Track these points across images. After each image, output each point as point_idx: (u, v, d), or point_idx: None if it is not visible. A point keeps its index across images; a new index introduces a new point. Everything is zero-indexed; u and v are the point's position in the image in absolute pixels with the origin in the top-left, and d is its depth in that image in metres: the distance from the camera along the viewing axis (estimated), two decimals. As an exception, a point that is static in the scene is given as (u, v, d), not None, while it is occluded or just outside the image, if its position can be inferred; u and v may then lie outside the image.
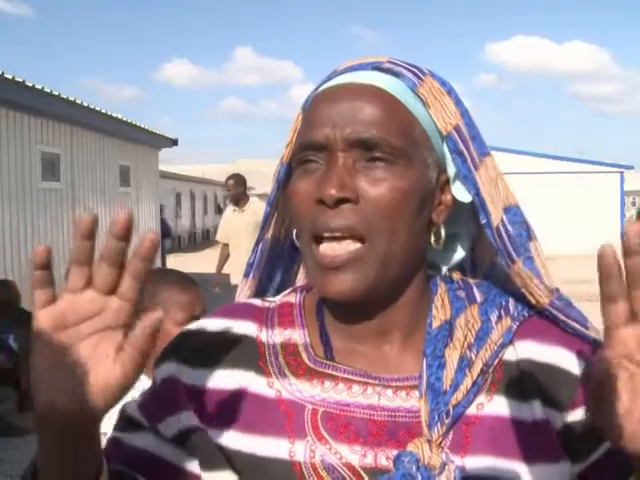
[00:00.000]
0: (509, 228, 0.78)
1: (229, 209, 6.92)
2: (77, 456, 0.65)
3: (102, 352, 0.58)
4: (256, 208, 6.53)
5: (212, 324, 0.83)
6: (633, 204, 45.99)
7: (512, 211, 0.79)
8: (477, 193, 0.78)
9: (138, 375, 0.59)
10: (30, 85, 8.52)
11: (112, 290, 0.60)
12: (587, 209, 23.55)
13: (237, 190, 6.66)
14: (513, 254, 0.78)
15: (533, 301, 0.78)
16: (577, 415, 0.75)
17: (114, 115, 11.43)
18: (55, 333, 0.58)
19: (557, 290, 0.79)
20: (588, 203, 23.81)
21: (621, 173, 25.46)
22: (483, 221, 0.78)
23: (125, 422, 0.83)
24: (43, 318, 0.58)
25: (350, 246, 0.73)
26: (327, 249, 0.73)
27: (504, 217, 0.78)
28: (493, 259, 0.86)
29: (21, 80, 8.28)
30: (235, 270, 6.49)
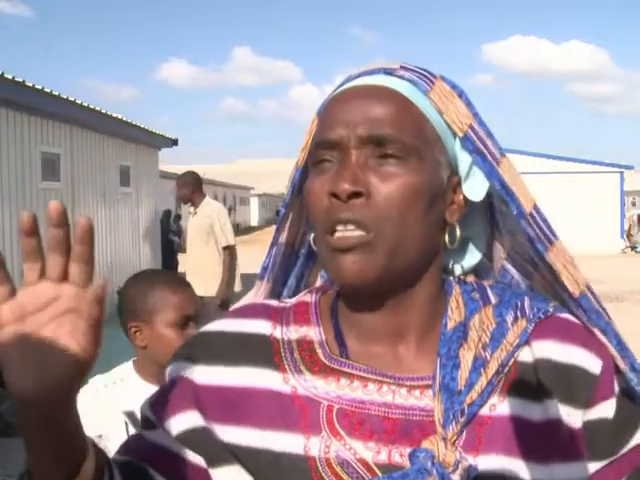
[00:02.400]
0: (543, 213, 0.80)
1: (189, 211, 6.37)
2: (57, 438, 0.67)
3: (60, 334, 0.61)
4: (209, 210, 6.02)
5: (225, 324, 0.85)
6: (633, 204, 46.00)
7: (535, 211, 0.80)
8: (503, 186, 0.79)
9: (96, 345, 0.63)
10: (30, 85, 8.52)
11: (64, 277, 0.63)
12: (587, 209, 23.56)
13: (183, 191, 6.09)
14: (551, 236, 0.80)
15: (570, 288, 0.79)
16: (597, 413, 0.77)
17: (114, 115, 11.42)
18: (16, 323, 0.61)
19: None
20: (588, 203, 23.81)
21: (621, 173, 25.48)
22: (514, 212, 0.79)
23: (143, 421, 0.86)
24: (4, 311, 0.62)
25: (359, 233, 0.75)
26: (339, 235, 0.75)
27: (537, 204, 0.80)
28: (504, 265, 0.88)
29: (21, 80, 8.28)
30: (190, 279, 5.82)
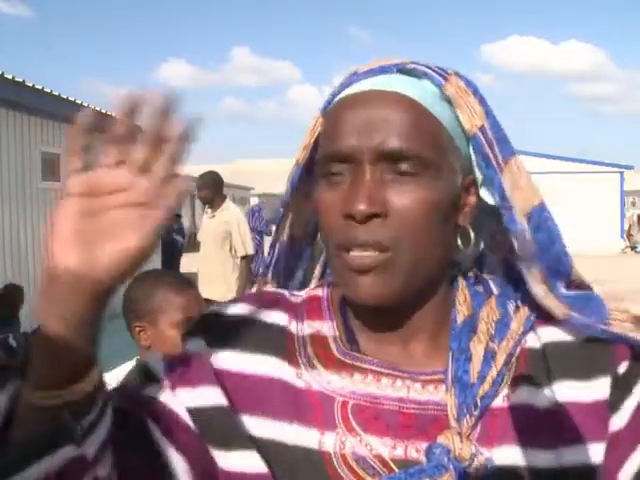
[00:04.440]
0: (533, 233, 0.77)
1: (205, 211, 6.20)
2: (74, 332, 0.61)
3: (125, 224, 0.59)
4: (228, 216, 5.86)
5: (242, 309, 0.82)
6: (633, 204, 46.02)
7: (537, 213, 0.78)
8: (502, 197, 0.76)
9: (154, 244, 0.60)
10: (30, 85, 8.53)
11: (145, 170, 0.60)
12: (587, 209, 23.60)
13: (204, 192, 5.90)
14: (535, 261, 0.77)
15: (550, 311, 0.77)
16: (621, 369, 0.75)
17: (114, 115, 11.41)
18: (83, 199, 0.59)
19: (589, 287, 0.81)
20: (588, 203, 23.85)
21: (621, 173, 25.53)
22: (512, 227, 0.76)
23: (144, 374, 0.78)
24: (74, 183, 0.60)
25: (377, 254, 0.72)
26: (356, 255, 0.73)
27: (532, 217, 0.77)
28: (506, 257, 0.85)
29: (21, 80, 8.28)
30: (202, 282, 5.74)
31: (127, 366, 1.91)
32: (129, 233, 0.59)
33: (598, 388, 0.75)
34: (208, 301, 5.58)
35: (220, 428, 0.75)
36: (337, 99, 0.78)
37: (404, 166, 0.72)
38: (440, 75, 0.77)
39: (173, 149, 0.59)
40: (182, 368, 0.78)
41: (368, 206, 0.71)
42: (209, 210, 6.06)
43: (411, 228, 0.72)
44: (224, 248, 5.91)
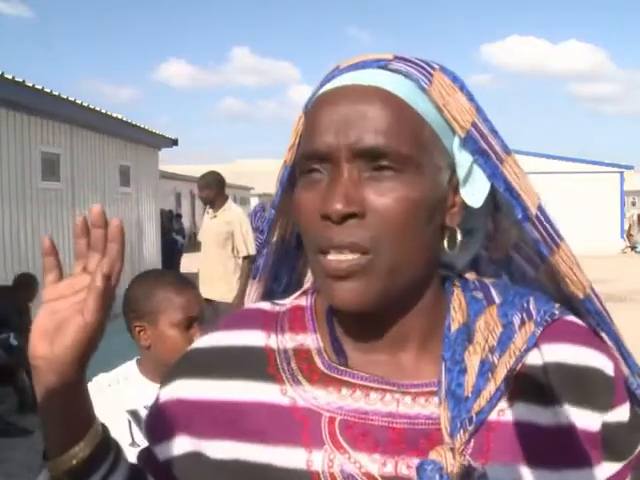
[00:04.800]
0: (547, 214, 0.76)
1: (207, 211, 6.21)
2: (63, 403, 0.72)
3: (75, 312, 0.70)
4: (230, 216, 5.87)
5: (216, 339, 0.82)
6: (633, 204, 46.00)
7: (542, 209, 0.77)
8: (507, 188, 0.74)
9: (101, 317, 0.69)
10: (30, 85, 8.52)
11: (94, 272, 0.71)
12: (587, 209, 23.58)
13: (206, 192, 5.91)
14: (556, 238, 0.77)
15: (576, 291, 0.77)
16: (616, 416, 0.75)
17: (114, 115, 11.43)
18: (53, 302, 0.71)
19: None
20: (588, 203, 23.84)
21: (621, 173, 25.52)
22: (519, 215, 0.75)
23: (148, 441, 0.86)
24: (48, 292, 0.72)
25: (356, 256, 0.69)
26: (333, 258, 0.70)
27: (541, 204, 0.76)
28: (509, 253, 0.85)
29: (21, 80, 8.28)
30: (203, 282, 5.80)
31: (127, 366, 1.91)
32: (78, 317, 0.69)
33: (592, 420, 0.74)
34: (208, 301, 5.58)
35: (199, 473, 0.78)
36: (317, 94, 0.76)
37: (383, 163, 0.69)
38: (424, 72, 0.73)
39: (109, 248, 0.70)
40: (158, 422, 0.83)
41: (344, 205, 0.68)
42: (210, 210, 6.05)
43: (390, 228, 0.69)
44: (226, 248, 5.91)
